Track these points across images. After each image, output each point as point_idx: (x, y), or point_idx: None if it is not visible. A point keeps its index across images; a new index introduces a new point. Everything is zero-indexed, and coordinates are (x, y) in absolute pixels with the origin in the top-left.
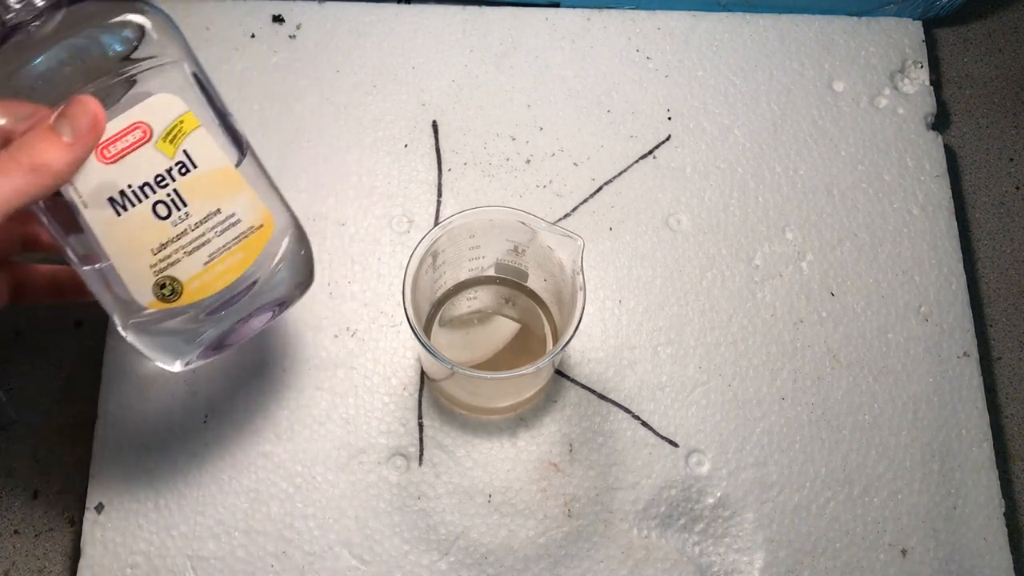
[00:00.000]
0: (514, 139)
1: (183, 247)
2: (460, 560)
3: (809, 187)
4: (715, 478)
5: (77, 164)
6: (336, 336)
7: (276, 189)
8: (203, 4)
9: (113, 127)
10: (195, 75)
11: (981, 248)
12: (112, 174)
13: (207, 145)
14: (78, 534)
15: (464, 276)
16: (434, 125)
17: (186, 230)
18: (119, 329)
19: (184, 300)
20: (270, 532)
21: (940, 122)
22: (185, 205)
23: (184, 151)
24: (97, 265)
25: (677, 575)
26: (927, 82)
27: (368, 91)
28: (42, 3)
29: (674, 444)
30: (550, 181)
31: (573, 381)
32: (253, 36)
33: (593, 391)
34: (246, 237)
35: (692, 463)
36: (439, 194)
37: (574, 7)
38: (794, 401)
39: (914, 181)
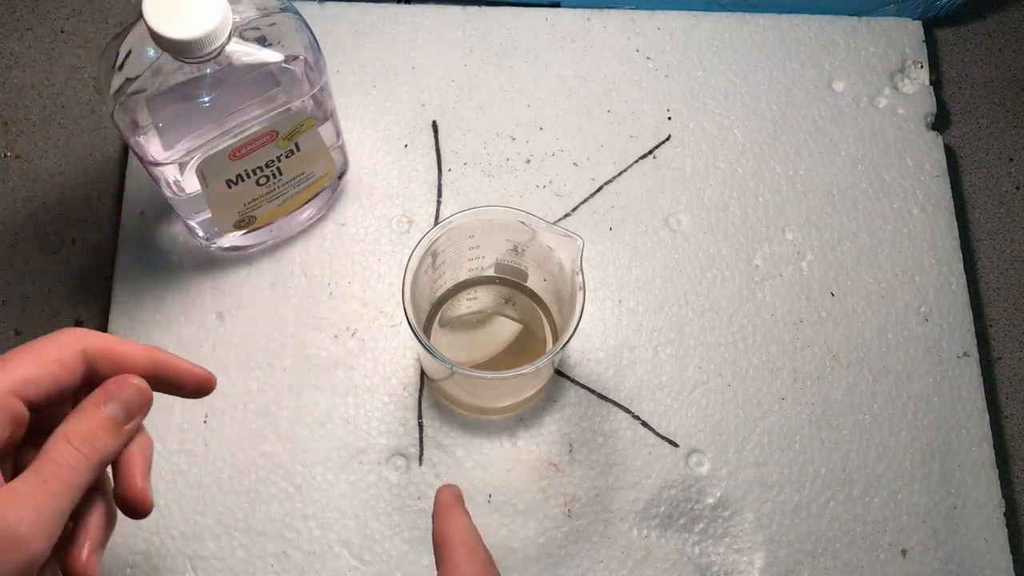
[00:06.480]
0: (514, 139)
1: (267, 198)
2: None
3: (809, 187)
4: (715, 478)
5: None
6: (336, 336)
7: (337, 123)
8: None
9: (252, 133)
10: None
11: (981, 248)
12: (237, 167)
13: (315, 136)
14: None
15: (464, 276)
16: (434, 125)
17: (275, 189)
18: (184, 219)
19: (254, 226)
20: (270, 532)
21: (940, 122)
22: (281, 174)
23: (296, 143)
24: (195, 212)
25: (677, 575)
26: (927, 82)
27: (368, 91)
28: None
29: (674, 444)
30: (550, 181)
31: (573, 381)
32: None
33: (593, 391)
34: (313, 184)
35: (692, 463)
36: (439, 194)
37: (574, 7)
38: (794, 401)
39: (914, 181)
